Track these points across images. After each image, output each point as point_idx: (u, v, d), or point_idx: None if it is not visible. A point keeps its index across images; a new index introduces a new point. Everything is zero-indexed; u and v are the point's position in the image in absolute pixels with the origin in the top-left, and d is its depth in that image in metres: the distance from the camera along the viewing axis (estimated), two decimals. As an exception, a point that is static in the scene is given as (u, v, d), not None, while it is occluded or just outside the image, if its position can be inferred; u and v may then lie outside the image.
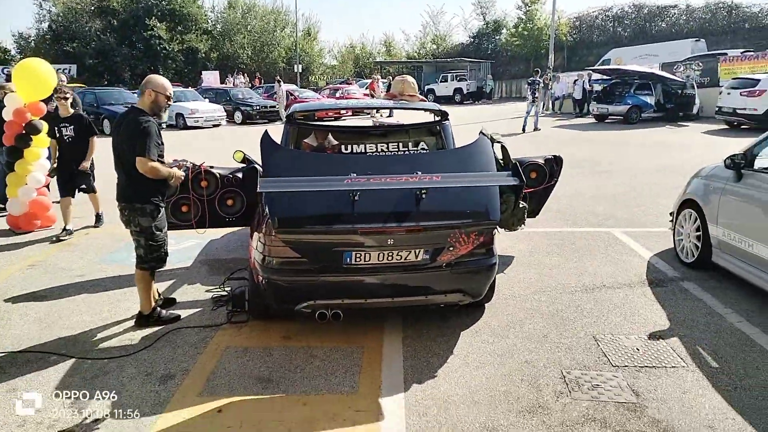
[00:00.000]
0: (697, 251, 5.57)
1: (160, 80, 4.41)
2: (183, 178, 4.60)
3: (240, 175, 5.30)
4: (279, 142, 4.71)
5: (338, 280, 3.93)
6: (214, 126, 23.53)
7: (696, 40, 32.33)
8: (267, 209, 3.85)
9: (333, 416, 3.28)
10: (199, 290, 5.29)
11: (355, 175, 3.74)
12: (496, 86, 41.05)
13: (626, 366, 3.81)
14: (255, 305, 4.47)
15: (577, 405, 3.37)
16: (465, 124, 15.46)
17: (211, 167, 5.28)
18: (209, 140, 18.40)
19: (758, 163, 5.01)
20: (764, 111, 17.01)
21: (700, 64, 24.38)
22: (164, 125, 22.05)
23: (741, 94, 17.81)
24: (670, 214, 6.25)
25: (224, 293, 5.08)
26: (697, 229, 5.57)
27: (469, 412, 3.31)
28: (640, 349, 4.05)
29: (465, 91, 36.59)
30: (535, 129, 19.52)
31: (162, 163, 4.36)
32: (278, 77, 28.08)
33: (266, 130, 4.37)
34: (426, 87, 37.45)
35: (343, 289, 3.97)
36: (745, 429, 3.12)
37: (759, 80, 17.77)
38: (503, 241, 6.41)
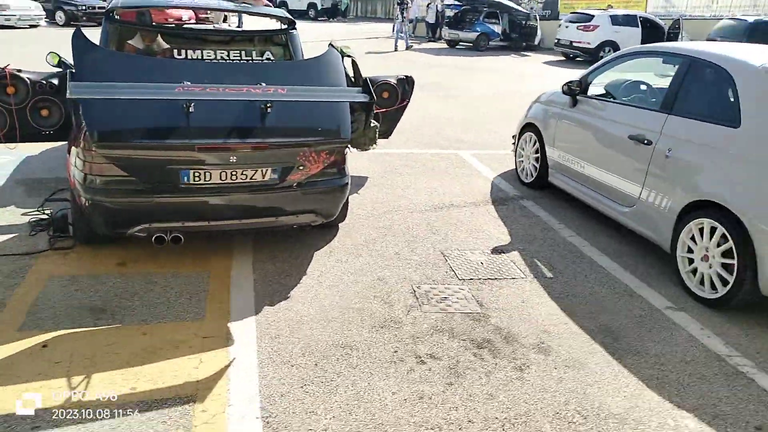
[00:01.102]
0: (535, 172, 5.94)
1: None
2: None
3: (56, 81, 4.57)
4: (97, 43, 4.10)
5: (176, 201, 3.58)
6: (31, 27, 20.39)
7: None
8: (83, 120, 3.33)
9: (177, 344, 3.05)
10: (14, 214, 4.60)
11: (189, 83, 3.33)
12: (352, 5, 40.08)
13: (472, 279, 3.99)
14: (80, 229, 3.97)
15: (426, 317, 3.47)
16: (321, 42, 14.91)
17: (19, 71, 4.47)
18: (24, 43, 15.89)
19: (591, 91, 5.35)
20: (596, 45, 18.51)
21: (544, -4, 25.66)
22: (-35, 22, 18.76)
23: (577, 28, 19.17)
24: (513, 137, 6.57)
25: (44, 216, 4.46)
26: (536, 152, 5.91)
27: (323, 331, 3.27)
28: (484, 263, 4.26)
29: (320, 7, 35.27)
30: (395, 49, 19.80)
31: None
32: None
33: (78, 27, 3.74)
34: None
35: (183, 210, 3.64)
36: (576, 331, 3.43)
37: (593, 16, 19.19)
38: (357, 161, 6.34)
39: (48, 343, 3.00)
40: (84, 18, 21.78)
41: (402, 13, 20.90)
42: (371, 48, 19.59)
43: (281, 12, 5.22)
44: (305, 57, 4.79)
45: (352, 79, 4.88)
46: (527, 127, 6.15)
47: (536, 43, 22.12)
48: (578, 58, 19.29)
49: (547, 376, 2.98)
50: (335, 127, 3.74)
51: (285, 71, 4.25)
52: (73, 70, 3.96)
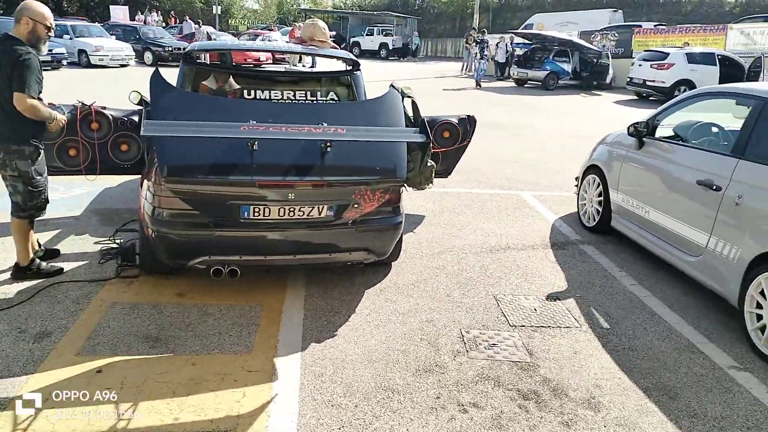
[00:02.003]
0: (598, 216, 5.75)
1: (39, 7, 3.91)
2: (64, 122, 4.17)
3: (136, 118, 4.89)
4: (174, 83, 4.35)
5: (235, 236, 3.71)
6: (122, 66, 21.96)
7: (614, 11, 33.27)
8: (155, 156, 3.53)
9: (223, 377, 3.12)
10: (88, 242, 4.89)
11: (254, 122, 3.49)
12: (422, 44, 40.82)
13: (523, 326, 3.88)
14: (146, 259, 4.17)
15: (473, 364, 3.39)
16: (388, 81, 15.27)
17: (103, 108, 4.82)
18: (113, 81, 17.12)
19: (659, 132, 5.17)
20: (671, 84, 17.87)
21: (616, 34, 25.22)
22: (65, 62, 20.41)
23: (651, 66, 18.59)
24: (576, 178, 6.42)
25: (114, 246, 4.72)
26: (600, 195, 5.73)
27: (366, 372, 3.25)
28: (538, 309, 4.13)
29: (391, 47, 36.12)
30: (477, 86, 20.67)
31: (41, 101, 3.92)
32: (188, 17, 26.51)
33: (157, 68, 4.00)
34: (352, 39, 36.76)
35: (241, 245, 3.76)
36: (630, 388, 3.24)
37: (668, 54, 18.58)
38: (414, 200, 6.36)
39: (102, 368, 3.13)
40: (170, 58, 23.28)
41: (482, 52, 21.69)
42: (446, 86, 19.89)
43: (346, 54, 5.40)
44: (368, 96, 4.91)
45: (412, 119, 4.94)
46: (591, 169, 6.00)
47: (608, 81, 21.64)
48: (651, 98, 18.69)
49: (595, 434, 2.83)
50: (391, 166, 3.79)
51: (346, 111, 4.37)
52: (149, 109, 4.25)
